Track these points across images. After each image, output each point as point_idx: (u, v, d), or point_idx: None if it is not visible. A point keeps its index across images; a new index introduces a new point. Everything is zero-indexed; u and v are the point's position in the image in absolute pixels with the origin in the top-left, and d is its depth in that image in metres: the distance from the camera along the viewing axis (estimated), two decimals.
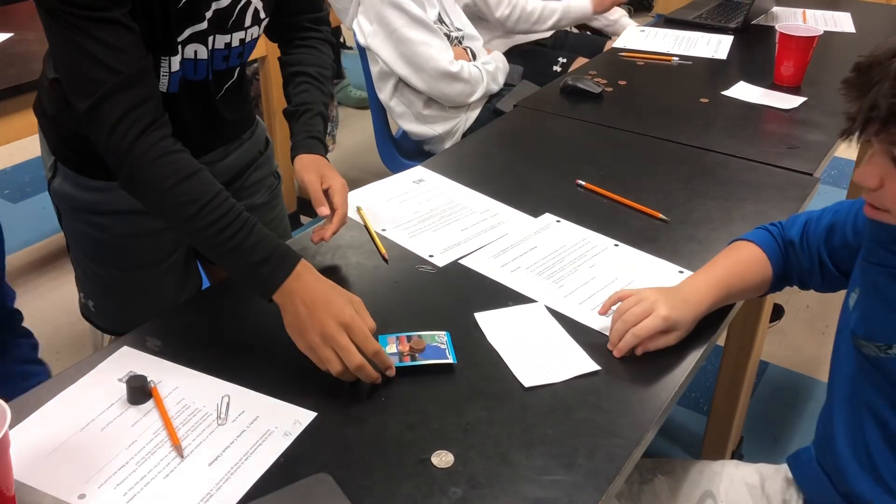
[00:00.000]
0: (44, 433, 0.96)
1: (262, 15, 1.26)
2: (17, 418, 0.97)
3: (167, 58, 1.15)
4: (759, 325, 1.68)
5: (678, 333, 1.10)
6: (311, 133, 1.31)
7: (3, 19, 2.49)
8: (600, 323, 1.15)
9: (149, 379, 1.03)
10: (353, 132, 3.81)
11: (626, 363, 1.09)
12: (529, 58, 2.68)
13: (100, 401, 1.01)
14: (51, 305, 2.55)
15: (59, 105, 1.24)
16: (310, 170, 1.27)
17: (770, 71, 2.02)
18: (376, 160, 2.51)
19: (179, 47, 1.16)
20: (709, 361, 1.87)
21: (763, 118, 1.83)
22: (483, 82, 2.29)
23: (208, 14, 1.16)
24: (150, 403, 1.01)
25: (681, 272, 1.27)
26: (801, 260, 1.17)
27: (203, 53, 1.19)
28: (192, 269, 1.46)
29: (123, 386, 1.02)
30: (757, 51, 2.24)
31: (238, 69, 1.34)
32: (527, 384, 1.04)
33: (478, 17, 2.64)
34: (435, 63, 2.19)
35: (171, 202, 1.04)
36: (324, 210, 1.23)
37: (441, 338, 1.10)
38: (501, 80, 2.38)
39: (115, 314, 1.42)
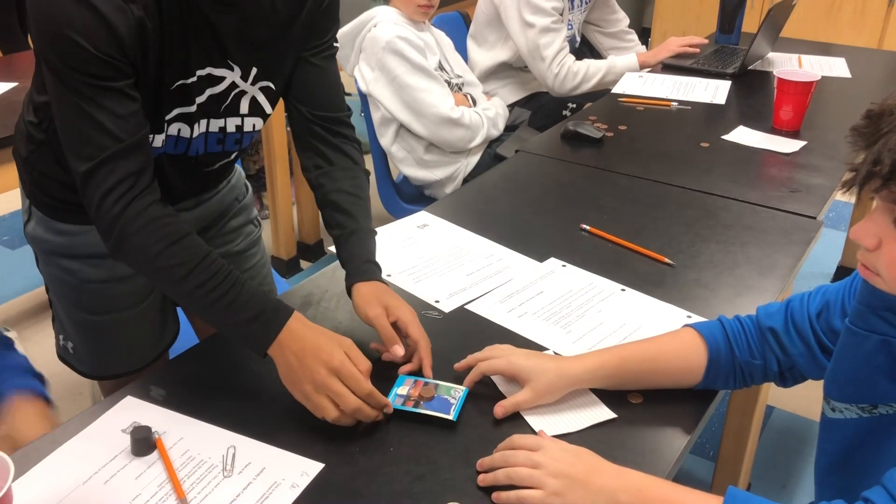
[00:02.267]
0: (46, 487, 0.94)
1: (268, 109, 1.24)
2: (19, 471, 0.95)
3: (152, 135, 1.14)
4: None
5: (530, 388, 1.05)
6: (367, 257, 1.22)
7: (8, 68, 2.52)
8: None
9: (153, 430, 1.01)
10: None
11: (641, 410, 1.07)
12: (539, 103, 2.70)
13: (103, 453, 0.99)
14: (49, 353, 2.52)
15: (32, 146, 1.24)
16: (372, 303, 1.15)
17: (769, 115, 2.04)
18: (376, 204, 2.51)
19: (165, 125, 1.16)
20: (715, 407, 1.85)
21: (764, 162, 1.84)
22: (483, 128, 2.30)
23: (200, 99, 1.16)
24: (154, 455, 0.99)
25: (689, 317, 1.26)
26: (786, 346, 1.09)
27: (186, 132, 1.19)
28: (170, 313, 1.45)
29: (127, 437, 1.00)
30: (755, 96, 2.27)
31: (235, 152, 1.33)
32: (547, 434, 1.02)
33: (507, 67, 2.66)
34: (436, 109, 2.20)
35: (160, 266, 1.05)
36: (398, 350, 1.12)
37: (456, 392, 1.08)
38: (501, 125, 2.40)
39: (93, 358, 1.40)
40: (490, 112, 2.36)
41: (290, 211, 3.00)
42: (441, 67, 2.34)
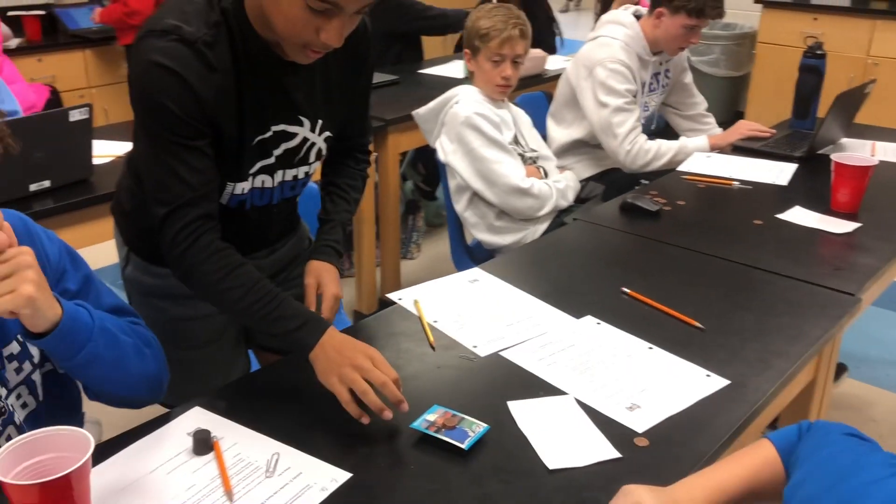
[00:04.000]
0: (121, 472, 1.12)
1: (324, 153, 1.49)
2: (100, 459, 1.13)
3: (233, 184, 1.38)
4: None
5: None
6: (328, 241, 1.53)
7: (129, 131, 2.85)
8: (626, 417, 1.24)
9: (212, 434, 1.18)
10: (437, 242, 4.02)
11: (646, 454, 1.16)
12: (612, 178, 2.82)
13: (170, 450, 1.17)
14: None
15: (135, 202, 1.48)
16: (311, 274, 1.49)
17: (829, 197, 2.09)
18: (452, 267, 2.68)
19: (250, 178, 1.39)
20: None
21: (814, 241, 1.89)
22: (552, 198, 2.44)
23: (277, 152, 1.39)
24: (211, 455, 1.15)
25: (708, 376, 1.34)
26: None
27: (269, 182, 1.43)
28: (242, 352, 1.66)
29: (190, 438, 1.17)
30: (820, 178, 2.31)
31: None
32: (551, 466, 1.14)
33: (583, 144, 2.82)
34: (506, 179, 2.37)
35: (221, 289, 1.29)
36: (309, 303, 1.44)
37: (477, 427, 1.20)
38: (571, 197, 2.53)
39: (174, 388, 1.59)
40: (560, 184, 2.50)
41: (373, 271, 3.21)
42: (516, 142, 2.51)
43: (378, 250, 3.27)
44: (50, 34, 4.67)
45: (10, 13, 4.49)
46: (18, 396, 1.13)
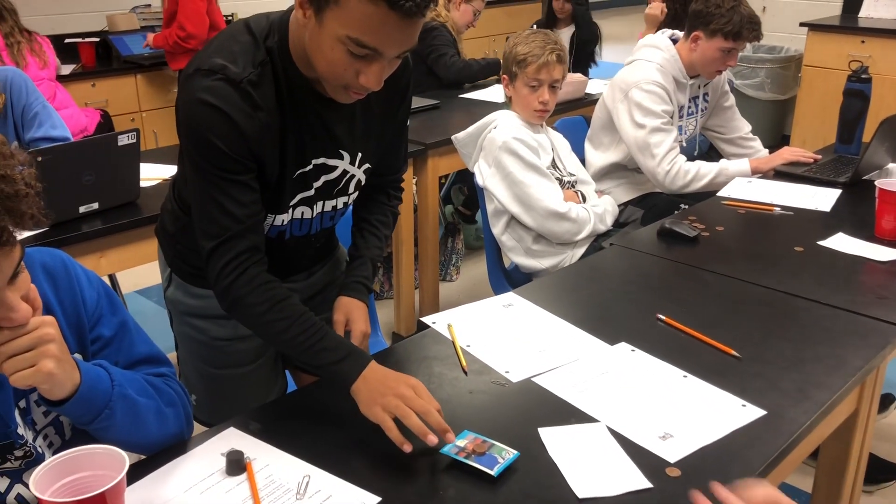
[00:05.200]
0: (154, 491, 1.14)
1: (363, 182, 1.52)
2: (135, 477, 1.16)
3: (273, 215, 1.41)
4: (844, 477, 1.66)
5: None
6: (358, 278, 1.56)
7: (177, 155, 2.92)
8: (658, 446, 1.23)
9: (245, 455, 1.19)
10: (476, 265, 4.02)
11: (678, 484, 1.15)
12: (652, 202, 2.80)
13: (204, 469, 1.19)
14: None
15: (179, 224, 1.51)
16: (340, 310, 1.51)
17: (873, 224, 2.05)
18: (491, 290, 2.68)
19: (290, 209, 1.42)
20: None
21: (856, 269, 1.86)
22: (590, 223, 2.44)
23: (317, 184, 1.42)
24: (244, 476, 1.17)
25: (743, 405, 1.33)
26: None
27: (308, 213, 1.46)
28: (280, 372, 1.68)
29: (224, 459, 1.19)
30: (864, 205, 2.27)
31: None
32: (581, 495, 1.13)
33: (621, 168, 2.82)
34: (543, 203, 2.37)
35: (266, 321, 1.32)
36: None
37: (507, 454, 1.20)
38: (609, 221, 2.52)
39: (213, 408, 1.62)
40: (598, 209, 2.49)
41: (412, 293, 3.23)
42: (554, 166, 2.51)
43: (416, 273, 3.29)
44: (104, 60, 4.82)
45: (67, 41, 4.65)
46: (45, 437, 1.15)
